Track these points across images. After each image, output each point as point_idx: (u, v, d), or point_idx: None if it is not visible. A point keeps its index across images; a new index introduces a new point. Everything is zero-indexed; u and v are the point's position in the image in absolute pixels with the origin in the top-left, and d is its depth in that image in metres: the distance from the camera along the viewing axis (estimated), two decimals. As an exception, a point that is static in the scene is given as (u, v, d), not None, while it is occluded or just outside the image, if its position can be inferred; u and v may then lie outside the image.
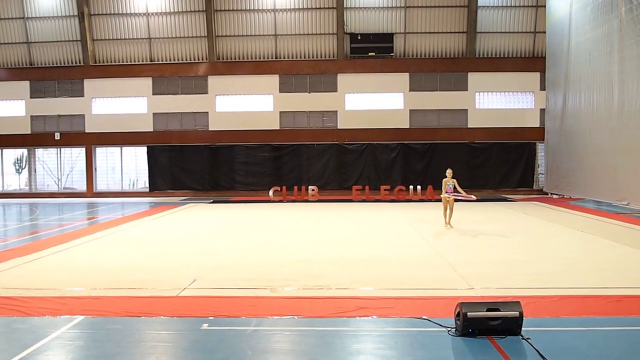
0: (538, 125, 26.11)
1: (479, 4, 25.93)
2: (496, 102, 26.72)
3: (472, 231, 13.12)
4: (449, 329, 5.61)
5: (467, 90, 26.47)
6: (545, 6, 25.12)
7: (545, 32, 25.28)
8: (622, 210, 17.30)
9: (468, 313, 5.36)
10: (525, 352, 5.05)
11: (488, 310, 5.38)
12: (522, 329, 5.41)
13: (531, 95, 26.58)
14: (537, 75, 26.13)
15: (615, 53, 18.65)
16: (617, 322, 5.89)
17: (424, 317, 6.04)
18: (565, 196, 23.01)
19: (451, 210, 13.72)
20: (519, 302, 5.54)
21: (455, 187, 13.48)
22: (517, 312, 5.36)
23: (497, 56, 26.52)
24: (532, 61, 26.25)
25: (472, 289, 7.42)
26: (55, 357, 5.16)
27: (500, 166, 26.11)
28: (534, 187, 26.21)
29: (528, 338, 5.30)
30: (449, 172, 13.63)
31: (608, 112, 19.33)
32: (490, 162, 26.08)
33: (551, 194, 24.18)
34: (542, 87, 25.78)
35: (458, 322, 5.49)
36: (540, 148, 26.30)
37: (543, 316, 6.08)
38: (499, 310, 5.38)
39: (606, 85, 19.38)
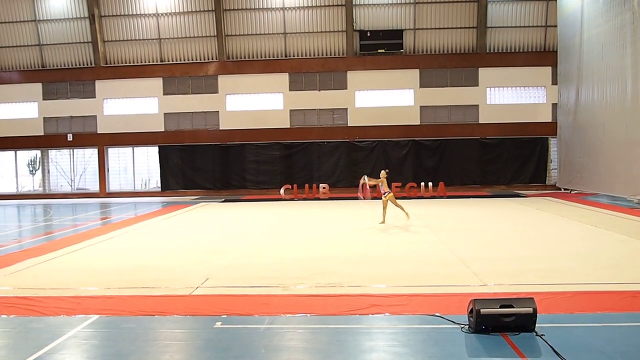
0: (550, 120, 25.85)
1: (489, -1, 25.76)
2: (507, 97, 26.51)
3: (484, 227, 13.05)
4: (462, 325, 5.59)
5: (478, 85, 26.29)
6: (556, -1, 24.89)
7: (556, 26, 24.95)
8: (636, 205, 17.11)
9: (481, 310, 5.33)
10: (540, 349, 5.01)
11: (501, 306, 5.35)
12: (536, 325, 5.37)
13: (543, 89, 26.35)
14: (548, 69, 25.86)
15: (628, 46, 18.41)
16: (632, 318, 5.83)
17: (437, 314, 6.02)
18: (578, 191, 22.79)
19: (384, 209, 14.03)
20: (532, 298, 5.50)
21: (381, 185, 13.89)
22: (531, 309, 5.32)
23: (508, 51, 26.30)
24: (544, 55, 26.00)
25: (485, 285, 7.38)
26: (70, 356, 5.22)
27: (512, 162, 25.93)
28: (546, 183, 25.99)
29: (542, 334, 5.27)
30: (382, 173, 14.13)
31: (621, 105, 19.09)
32: (502, 158, 25.91)
33: (564, 189, 23.96)
34: (554, 82, 25.47)
35: (471, 319, 5.47)
36: (552, 143, 26.02)
37: (557, 312, 6.02)
38: (513, 307, 5.35)
39: (619, 78, 19.14)
